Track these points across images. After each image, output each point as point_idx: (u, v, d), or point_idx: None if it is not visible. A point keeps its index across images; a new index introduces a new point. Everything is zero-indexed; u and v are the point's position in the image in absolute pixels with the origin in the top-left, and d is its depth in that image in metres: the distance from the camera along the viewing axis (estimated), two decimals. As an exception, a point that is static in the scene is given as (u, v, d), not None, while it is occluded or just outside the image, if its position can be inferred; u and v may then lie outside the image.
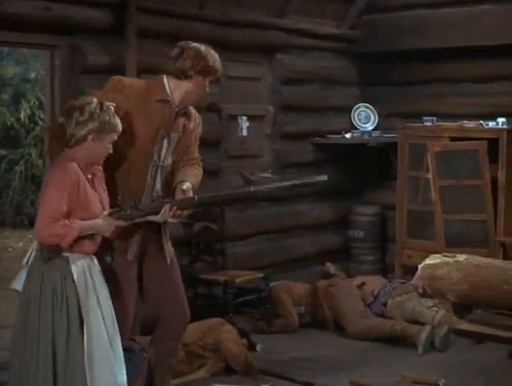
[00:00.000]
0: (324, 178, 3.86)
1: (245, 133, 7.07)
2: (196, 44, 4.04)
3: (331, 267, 6.82)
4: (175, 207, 3.70)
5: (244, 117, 7.04)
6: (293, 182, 3.98)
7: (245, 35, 6.81)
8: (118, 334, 3.67)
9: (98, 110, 3.58)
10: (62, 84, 5.64)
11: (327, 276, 6.74)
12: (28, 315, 3.54)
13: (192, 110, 4.11)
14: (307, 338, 6.18)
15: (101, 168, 3.71)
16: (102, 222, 3.59)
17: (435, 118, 7.27)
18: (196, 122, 4.13)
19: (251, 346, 5.50)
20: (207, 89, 4.06)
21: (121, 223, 3.63)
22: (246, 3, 6.84)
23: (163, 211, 3.67)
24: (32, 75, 13.52)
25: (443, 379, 5.08)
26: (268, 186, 4.25)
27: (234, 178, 6.88)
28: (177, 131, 3.99)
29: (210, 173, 6.59)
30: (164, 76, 4.02)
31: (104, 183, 3.73)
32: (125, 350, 4.83)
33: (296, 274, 7.13)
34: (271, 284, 6.50)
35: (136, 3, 5.76)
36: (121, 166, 3.90)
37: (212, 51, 4.05)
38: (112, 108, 3.63)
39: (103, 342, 3.58)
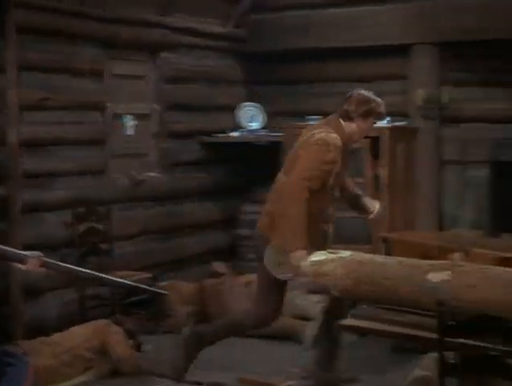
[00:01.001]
0: (165, 293, 4.58)
1: (130, 131, 6.99)
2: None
3: (219, 266, 6.84)
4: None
5: (129, 116, 6.96)
6: (135, 284, 4.39)
7: (128, 33, 6.74)
8: None
9: None
10: None
11: (215, 275, 6.75)
12: None
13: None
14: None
15: None
16: None
17: (319, 117, 7.37)
18: None
19: (139, 347, 5.45)
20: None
21: None
22: (132, 1, 6.76)
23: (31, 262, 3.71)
24: None
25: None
26: (116, 281, 4.38)
27: (120, 176, 6.80)
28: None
29: (95, 172, 6.52)
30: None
31: None
32: (7, 355, 4.72)
33: (185, 274, 7.11)
34: (159, 284, 6.45)
35: (16, -1, 5.62)
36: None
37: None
38: None
39: None
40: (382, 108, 4.83)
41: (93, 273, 4.09)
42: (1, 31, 5.57)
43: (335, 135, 4.67)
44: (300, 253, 4.38)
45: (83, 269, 4.06)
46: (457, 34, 6.81)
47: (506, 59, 7.01)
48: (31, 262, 3.67)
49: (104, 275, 4.15)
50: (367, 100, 4.75)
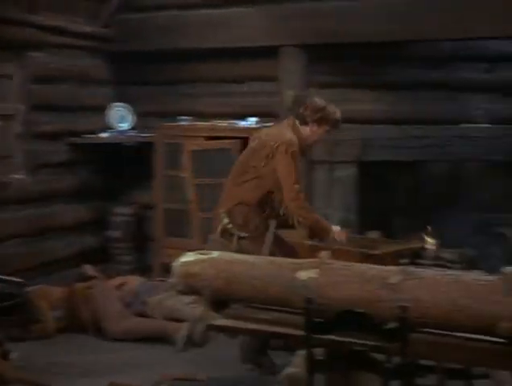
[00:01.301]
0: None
1: (-6, 132, 6.78)
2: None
3: (89, 269, 6.71)
4: None
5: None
6: None
7: (-7, 31, 6.53)
8: None
9: None
10: None
11: (85, 278, 6.62)
12: None
13: None
14: (66, 343, 6.04)
15: None
16: None
17: (190, 118, 7.37)
18: None
19: (5, 355, 5.28)
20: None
21: None
22: (-5, -2, 6.56)
23: None
24: None
25: (202, 374, 5.19)
26: None
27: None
28: None
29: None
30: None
31: None
32: None
33: (54, 278, 6.94)
34: (27, 289, 6.27)
35: None
36: None
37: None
38: None
39: None
40: (337, 117, 5.11)
41: None
42: None
43: (294, 136, 5.00)
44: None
45: None
46: (322, 36, 6.95)
47: (371, 61, 7.22)
48: None
49: None
50: (322, 108, 5.08)
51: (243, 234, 5.02)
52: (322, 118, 5.07)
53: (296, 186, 4.95)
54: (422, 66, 7.20)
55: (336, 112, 5.13)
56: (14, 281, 6.13)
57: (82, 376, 5.24)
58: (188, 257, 4.20)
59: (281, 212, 5.09)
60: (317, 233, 5.13)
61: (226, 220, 5.10)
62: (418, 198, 7.19)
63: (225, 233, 5.11)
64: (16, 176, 6.92)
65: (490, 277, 3.48)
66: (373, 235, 6.65)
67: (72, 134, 7.48)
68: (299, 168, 5.03)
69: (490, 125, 6.98)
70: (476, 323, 3.39)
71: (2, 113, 6.85)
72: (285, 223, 5.18)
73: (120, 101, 7.87)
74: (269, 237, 4.99)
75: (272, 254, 4.82)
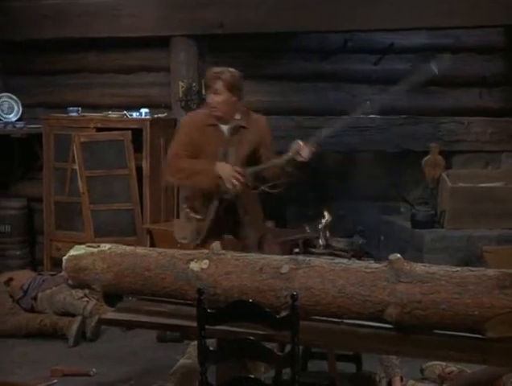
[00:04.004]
0: None
1: None
2: None
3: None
4: None
5: None
6: None
7: None
8: None
9: None
10: None
11: None
12: None
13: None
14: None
15: None
16: None
17: (80, 109, 7.24)
18: None
19: None
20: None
21: None
22: None
23: None
24: None
25: (93, 369, 5.14)
26: None
27: None
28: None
29: None
30: None
31: None
32: None
33: None
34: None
35: None
36: None
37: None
38: None
39: None
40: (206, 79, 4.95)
41: None
42: None
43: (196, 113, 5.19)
44: None
45: None
46: (212, 27, 6.93)
47: (262, 52, 7.25)
48: None
49: None
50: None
51: (198, 216, 4.90)
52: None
53: (170, 157, 4.82)
54: (312, 57, 7.27)
55: (208, 73, 4.95)
56: None
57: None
58: (78, 251, 4.14)
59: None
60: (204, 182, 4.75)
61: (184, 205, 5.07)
62: (309, 188, 7.28)
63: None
64: None
65: (378, 265, 3.56)
66: (268, 224, 6.71)
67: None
68: (189, 140, 4.83)
69: (378, 116, 7.13)
70: (364, 310, 3.46)
71: None
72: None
73: (6, 92, 7.65)
74: (209, 215, 4.82)
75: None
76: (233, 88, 4.79)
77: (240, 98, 4.88)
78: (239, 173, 4.65)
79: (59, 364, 5.20)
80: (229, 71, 4.84)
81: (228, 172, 4.64)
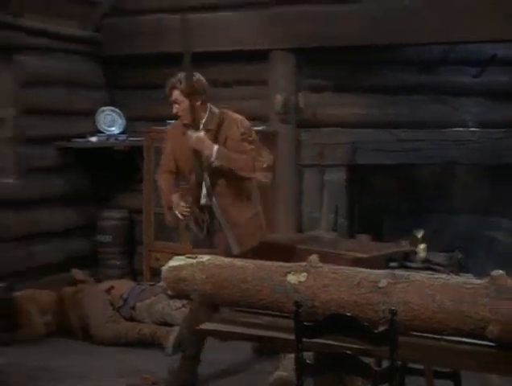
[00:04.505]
0: None
1: (-17, 137, 6.76)
2: None
3: (78, 273, 6.71)
4: None
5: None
6: None
7: (-19, 35, 6.52)
8: None
9: None
10: None
11: (74, 282, 6.61)
12: None
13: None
14: (54, 347, 6.03)
15: None
16: None
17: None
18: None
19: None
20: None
21: None
22: (-17, 1, 6.54)
23: None
24: None
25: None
26: None
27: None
28: None
29: None
30: None
31: None
32: None
33: (43, 282, 6.91)
34: (15, 293, 6.25)
35: None
36: None
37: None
38: None
39: None
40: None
41: None
42: None
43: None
44: None
45: None
46: (311, 40, 6.96)
47: (359, 65, 7.23)
48: None
49: None
50: None
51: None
52: None
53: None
54: (411, 70, 7.22)
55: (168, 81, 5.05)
56: (0, 286, 6.13)
57: (70, 381, 5.23)
58: (177, 261, 4.20)
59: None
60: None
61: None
62: (407, 201, 7.20)
63: None
64: (6, 180, 6.90)
65: (478, 281, 3.49)
66: (363, 238, 6.68)
67: (62, 138, 7.46)
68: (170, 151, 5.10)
69: (478, 129, 7.01)
70: (464, 326, 3.39)
71: (-8, 118, 6.85)
72: None
73: (110, 105, 7.86)
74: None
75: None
76: (190, 93, 4.81)
77: (203, 100, 4.91)
78: (185, 206, 4.90)
79: (157, 373, 5.27)
80: (182, 78, 4.87)
81: (175, 205, 4.95)
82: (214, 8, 7.46)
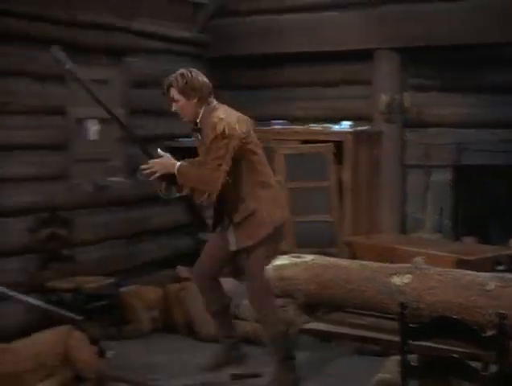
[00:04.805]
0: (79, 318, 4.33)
1: (94, 136, 6.95)
2: None
3: (183, 270, 6.81)
4: None
5: (92, 120, 6.92)
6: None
7: (93, 37, 6.70)
8: None
9: None
10: None
11: (179, 279, 6.72)
12: None
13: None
14: (159, 343, 6.15)
15: None
16: None
17: (284, 121, 7.40)
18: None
19: (102, 353, 5.40)
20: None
21: None
22: (94, 5, 6.72)
23: None
24: None
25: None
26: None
27: (83, 182, 6.77)
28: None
29: (58, 178, 6.47)
30: None
31: None
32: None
33: (148, 279, 7.07)
34: (122, 289, 6.41)
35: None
36: None
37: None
38: None
39: None
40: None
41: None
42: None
43: None
44: None
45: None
46: (417, 39, 6.88)
47: (465, 64, 7.10)
48: None
49: (13, 293, 3.98)
50: None
51: None
52: None
53: None
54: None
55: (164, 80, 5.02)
56: (108, 282, 6.29)
57: (174, 376, 5.32)
58: (282, 261, 4.21)
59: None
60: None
61: None
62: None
63: None
64: (114, 179, 7.09)
65: None
66: (469, 240, 6.55)
67: (168, 138, 7.62)
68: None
69: None
70: None
71: (102, 117, 7.03)
72: None
73: (216, 105, 7.96)
74: None
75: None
76: (185, 91, 4.80)
77: (200, 97, 4.83)
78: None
79: (258, 369, 5.30)
80: (178, 76, 4.84)
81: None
82: (318, 8, 7.47)
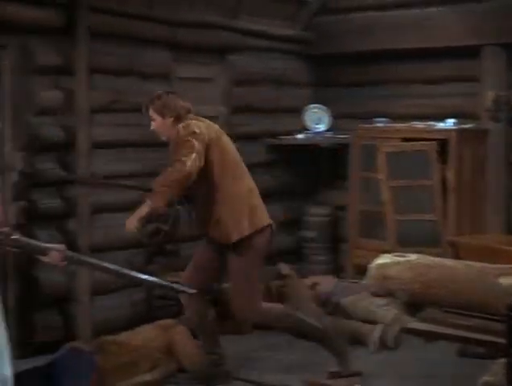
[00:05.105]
0: (192, 292, 4.35)
1: (197, 133, 7.05)
2: None
3: (284, 267, 6.83)
4: None
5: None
6: (159, 282, 4.37)
7: (196, 36, 6.79)
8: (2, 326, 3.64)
9: None
10: (12, 85, 5.57)
11: (279, 277, 6.75)
12: None
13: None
14: (261, 339, 6.17)
15: None
16: None
17: (386, 119, 7.34)
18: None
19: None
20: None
21: None
22: (198, 4, 6.82)
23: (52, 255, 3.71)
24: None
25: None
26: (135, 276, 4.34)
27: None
28: None
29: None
30: None
31: None
32: (75, 352, 4.83)
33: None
34: (224, 285, 6.47)
35: (87, 3, 5.72)
36: None
37: None
38: None
39: None
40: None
41: (118, 268, 4.01)
42: (72, 35, 5.68)
43: None
44: None
45: (107, 264, 3.97)
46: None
47: None
48: (52, 255, 3.65)
49: (129, 272, 4.11)
50: None
51: None
52: None
53: None
54: None
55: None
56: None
57: (275, 372, 5.35)
58: (384, 259, 4.20)
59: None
60: None
61: None
62: None
63: None
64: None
65: None
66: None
67: (270, 135, 7.66)
68: None
69: None
70: None
71: (205, 115, 7.10)
72: None
73: (316, 103, 7.96)
74: None
75: None
76: (162, 110, 4.89)
77: (176, 116, 4.89)
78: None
79: (359, 368, 5.28)
80: (154, 97, 4.94)
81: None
82: (421, 4, 7.37)
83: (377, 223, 7.16)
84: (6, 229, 3.61)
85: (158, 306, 6.16)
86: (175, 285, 4.38)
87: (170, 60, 6.66)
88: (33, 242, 3.76)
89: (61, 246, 3.71)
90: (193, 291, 4.28)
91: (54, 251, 3.64)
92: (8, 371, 3.63)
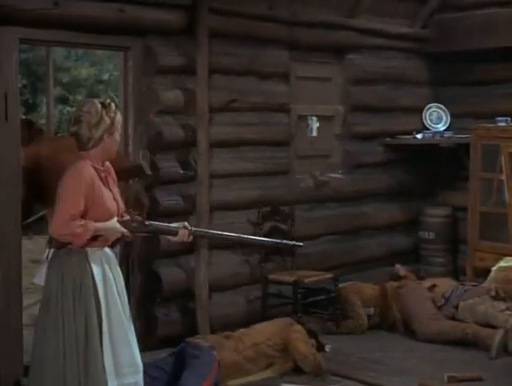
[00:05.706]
0: (300, 244, 4.34)
1: (314, 133, 7.08)
2: None
3: (400, 268, 6.77)
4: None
5: (314, 117, 7.05)
6: (273, 241, 4.55)
7: (314, 35, 6.80)
8: (131, 320, 3.85)
9: (104, 109, 3.72)
10: (135, 85, 5.73)
11: (396, 277, 6.68)
12: (49, 309, 3.64)
13: None
14: (376, 340, 6.14)
15: (112, 168, 3.90)
16: (113, 226, 3.72)
17: (509, 118, 7.13)
18: None
19: (320, 347, 5.49)
20: None
21: (127, 232, 3.78)
22: (316, 3, 6.82)
23: (181, 234, 3.88)
24: (105, 76, 13.81)
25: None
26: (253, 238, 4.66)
27: (303, 177, 6.90)
28: None
29: (280, 173, 6.64)
30: None
31: (116, 183, 3.93)
32: (194, 347, 4.92)
33: (365, 275, 7.10)
34: (340, 285, 6.47)
35: (207, 4, 5.81)
36: None
37: None
38: (112, 104, 3.79)
39: (122, 327, 3.74)
40: None
41: (236, 235, 4.30)
42: (193, 36, 5.79)
43: None
44: None
45: (226, 233, 4.23)
46: None
47: None
48: (181, 233, 3.85)
49: (246, 236, 4.45)
50: None
51: None
52: None
53: None
54: None
55: None
56: (328, 277, 6.36)
57: (391, 375, 5.30)
58: (507, 262, 4.09)
59: None
60: None
61: None
62: None
63: None
64: (334, 175, 7.16)
65: None
66: None
67: (387, 135, 7.59)
68: None
69: None
70: None
71: (322, 114, 7.14)
72: None
73: (436, 102, 7.84)
74: None
75: None
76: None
77: None
78: None
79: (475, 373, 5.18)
80: None
81: None
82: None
83: (498, 225, 6.96)
84: (139, 217, 3.83)
85: (274, 305, 6.20)
86: (284, 241, 4.56)
87: (288, 60, 6.69)
88: (164, 225, 3.93)
89: (186, 224, 3.90)
90: (301, 244, 4.33)
91: (182, 229, 3.84)
92: (140, 360, 3.81)
